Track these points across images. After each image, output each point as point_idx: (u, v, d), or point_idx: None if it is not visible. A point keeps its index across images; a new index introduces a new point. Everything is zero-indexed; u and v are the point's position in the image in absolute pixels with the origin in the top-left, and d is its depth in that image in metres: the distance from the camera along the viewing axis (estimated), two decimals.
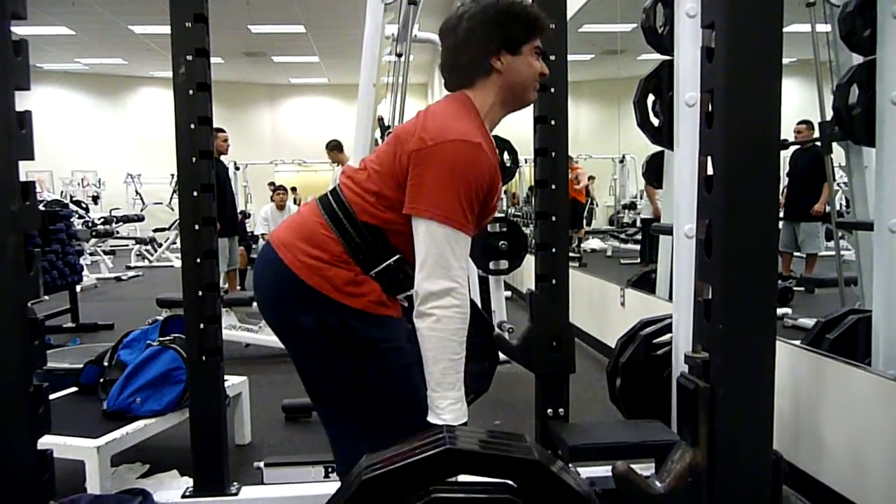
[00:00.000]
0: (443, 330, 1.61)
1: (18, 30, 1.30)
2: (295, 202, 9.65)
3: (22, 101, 1.32)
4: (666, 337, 2.63)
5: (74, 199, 13.37)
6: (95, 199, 15.77)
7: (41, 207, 7.06)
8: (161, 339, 3.18)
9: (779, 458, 1.27)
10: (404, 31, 4.41)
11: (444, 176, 1.62)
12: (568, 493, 0.92)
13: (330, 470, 2.85)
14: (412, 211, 1.65)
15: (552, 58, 2.53)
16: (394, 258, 1.76)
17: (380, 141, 4.43)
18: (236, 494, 2.60)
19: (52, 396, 2.28)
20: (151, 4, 9.92)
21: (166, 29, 2.41)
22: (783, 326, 4.73)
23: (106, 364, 3.31)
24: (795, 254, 6.54)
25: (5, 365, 1.34)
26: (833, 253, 4.57)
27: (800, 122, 5.89)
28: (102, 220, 12.24)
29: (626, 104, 4.24)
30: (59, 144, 16.13)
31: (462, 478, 1.17)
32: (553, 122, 2.56)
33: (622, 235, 10.69)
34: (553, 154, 2.57)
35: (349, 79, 16.13)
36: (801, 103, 5.58)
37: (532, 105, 2.61)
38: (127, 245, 13.64)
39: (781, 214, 6.14)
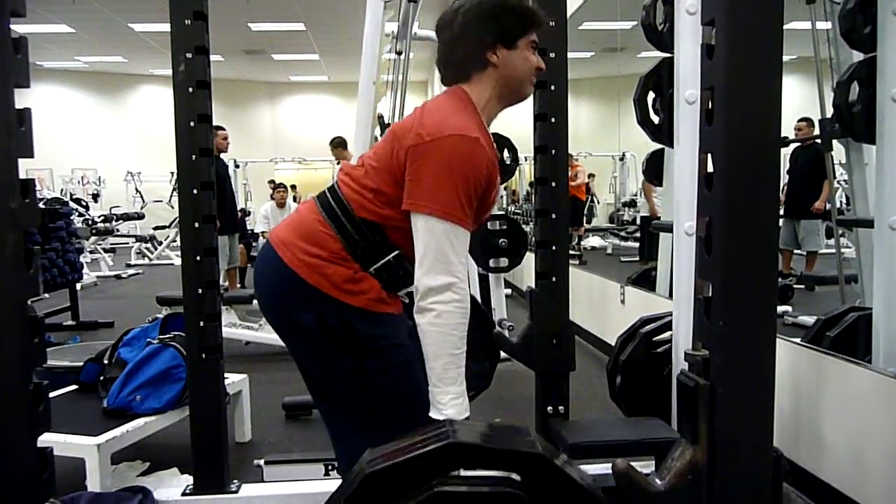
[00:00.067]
0: (443, 325, 1.61)
1: (18, 28, 1.30)
2: (294, 200, 9.64)
3: (22, 99, 1.32)
4: (666, 334, 2.63)
5: (74, 196, 13.35)
6: (95, 196, 15.75)
7: (41, 205, 7.06)
8: (161, 336, 3.18)
9: (779, 456, 1.27)
10: (404, 28, 4.41)
11: (442, 171, 1.62)
12: (571, 486, 0.92)
13: (330, 468, 2.85)
14: (411, 206, 1.65)
15: (552, 55, 2.53)
16: (393, 254, 1.76)
17: (380, 139, 4.43)
18: (236, 492, 2.60)
19: (52, 394, 2.28)
20: (151, 2, 9.89)
21: (166, 27, 2.41)
22: (783, 324, 4.73)
23: (106, 362, 3.31)
24: (796, 251, 6.54)
25: (5, 362, 1.34)
26: (833, 250, 4.57)
27: (800, 120, 5.88)
28: (102, 217, 12.22)
29: (626, 102, 4.24)
30: (59, 142, 16.12)
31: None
32: (553, 120, 2.56)
33: (622, 233, 10.68)
34: (553, 152, 2.57)
35: (349, 76, 16.15)
36: (801, 101, 5.57)
37: (532, 102, 2.62)
38: (127, 243, 13.63)
39: (781, 212, 6.14)
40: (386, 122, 4.75)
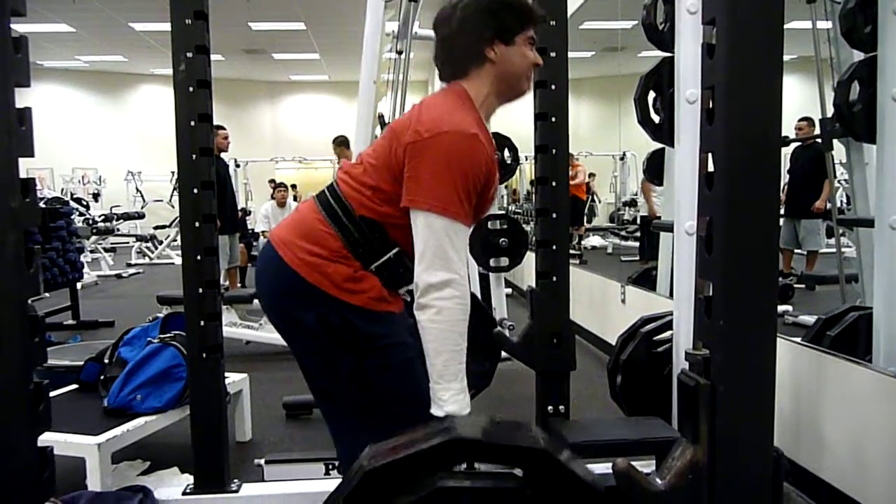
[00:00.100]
0: (443, 321, 1.60)
1: (18, 27, 1.30)
2: (295, 199, 9.63)
3: (22, 98, 1.32)
4: (666, 334, 2.63)
5: (75, 196, 13.35)
6: (96, 196, 15.74)
7: (42, 205, 7.06)
8: (161, 336, 3.18)
9: (779, 455, 1.27)
10: (405, 28, 4.40)
11: (441, 167, 1.62)
12: (574, 481, 0.91)
13: (331, 467, 2.85)
14: (410, 203, 1.65)
15: (552, 55, 2.53)
16: (393, 251, 1.76)
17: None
18: (237, 491, 2.60)
19: (52, 393, 2.28)
20: (152, 1, 9.88)
21: (166, 26, 2.41)
22: (784, 323, 4.73)
23: (106, 361, 3.31)
24: (796, 251, 6.54)
25: (6, 362, 1.34)
26: (834, 250, 4.57)
27: (800, 119, 5.89)
28: (103, 217, 12.22)
29: (626, 101, 4.25)
30: (59, 142, 16.11)
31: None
32: (553, 119, 2.56)
33: (622, 232, 10.69)
34: (553, 151, 2.57)
35: (350, 76, 16.13)
36: (801, 100, 5.57)
37: (532, 102, 2.62)
38: (127, 242, 13.63)
39: (782, 211, 6.14)
40: (386, 121, 4.74)
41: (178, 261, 8.51)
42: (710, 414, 1.16)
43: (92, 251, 11.26)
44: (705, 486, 1.17)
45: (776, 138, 1.16)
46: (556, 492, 0.90)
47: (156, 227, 14.11)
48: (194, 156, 2.45)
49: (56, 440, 2.53)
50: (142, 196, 16.57)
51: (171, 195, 14.55)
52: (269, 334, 5.27)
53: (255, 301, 5.40)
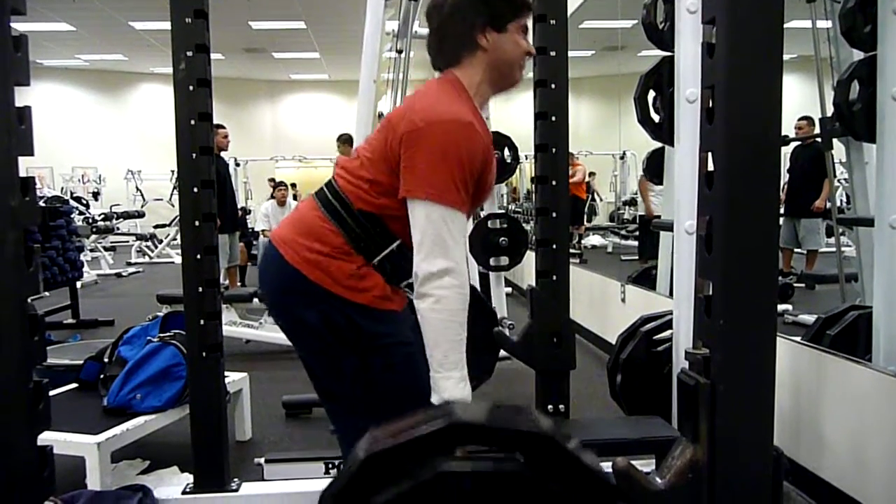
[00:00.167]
0: (442, 311, 1.60)
1: (18, 26, 1.30)
2: (294, 198, 9.63)
3: (22, 97, 1.32)
4: (666, 333, 2.64)
5: (75, 195, 13.34)
6: (96, 195, 15.74)
7: (41, 203, 7.07)
8: (161, 335, 3.18)
9: (779, 455, 1.27)
10: (405, 27, 4.41)
11: (436, 156, 1.62)
12: (577, 467, 0.91)
13: (330, 466, 2.85)
14: (406, 193, 1.65)
15: (552, 54, 2.53)
16: (395, 244, 1.75)
17: None
18: (237, 491, 2.60)
19: (52, 392, 2.28)
20: (152, 0, 9.90)
21: (166, 25, 2.41)
22: (784, 323, 4.74)
23: (106, 360, 3.31)
24: (796, 250, 6.54)
25: (5, 361, 1.34)
26: (834, 249, 4.57)
27: (800, 119, 5.89)
28: (103, 216, 12.22)
29: (626, 100, 4.24)
30: (59, 141, 16.12)
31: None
32: (553, 119, 2.56)
33: (622, 232, 10.69)
34: (553, 150, 2.58)
35: (350, 75, 16.11)
36: (801, 99, 5.57)
37: (532, 101, 2.62)
38: (127, 241, 13.62)
39: (782, 211, 6.14)
40: None
41: (178, 260, 8.50)
42: (709, 413, 1.16)
43: (92, 250, 11.26)
44: (705, 485, 1.17)
45: (776, 137, 1.16)
46: (558, 475, 0.90)
47: (156, 226, 14.10)
48: (194, 154, 2.45)
49: (56, 439, 2.53)
50: (142, 195, 16.58)
51: (171, 194, 14.55)
52: (269, 333, 5.28)
53: (255, 300, 5.41)
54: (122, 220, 13.16)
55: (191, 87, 2.43)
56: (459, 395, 1.61)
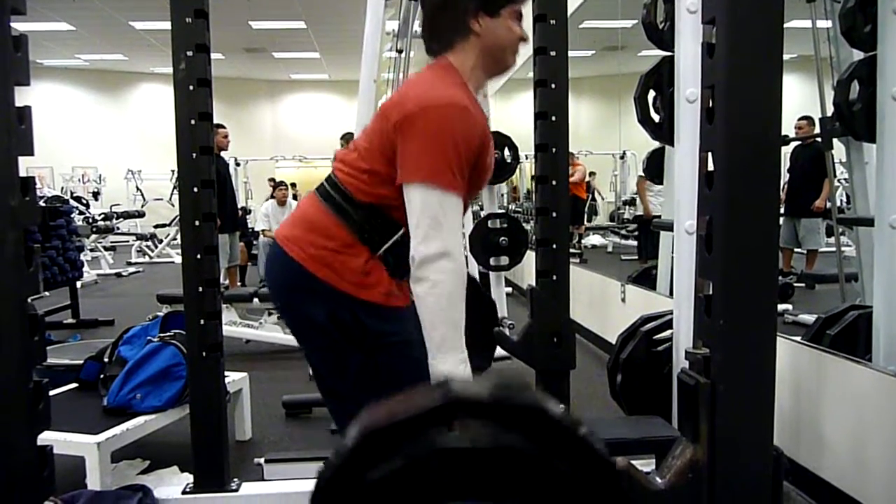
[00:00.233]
0: (440, 294, 1.59)
1: (18, 25, 1.30)
2: (294, 198, 9.61)
3: (22, 97, 1.32)
4: (666, 333, 2.63)
5: (75, 195, 13.34)
6: (96, 195, 15.74)
7: (41, 203, 7.07)
8: (161, 335, 3.18)
9: (779, 454, 1.27)
10: (405, 27, 4.41)
11: (431, 140, 1.62)
12: (575, 443, 0.90)
13: None
14: (402, 178, 1.64)
15: (552, 54, 2.53)
16: (399, 233, 1.75)
17: None
18: (237, 491, 2.60)
19: (52, 392, 2.28)
20: (152, 0, 9.90)
21: (167, 24, 2.41)
22: (784, 322, 4.73)
23: (106, 360, 3.31)
24: (796, 250, 6.53)
25: (5, 361, 1.34)
26: (834, 249, 4.57)
27: (800, 118, 5.88)
28: (103, 216, 12.22)
29: (626, 100, 4.24)
30: (59, 140, 16.13)
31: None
32: (553, 119, 2.56)
33: (623, 231, 10.68)
34: (553, 150, 2.57)
35: (350, 75, 16.11)
36: (801, 99, 5.57)
37: (533, 101, 2.62)
38: (127, 241, 13.63)
39: (782, 210, 6.13)
40: None
41: (178, 259, 8.50)
42: (710, 413, 1.16)
43: (92, 250, 11.25)
44: (705, 485, 1.17)
45: (776, 137, 1.16)
46: (557, 451, 0.89)
47: (156, 226, 14.10)
48: (194, 154, 2.45)
49: (56, 439, 2.53)
50: (142, 195, 16.57)
51: (171, 194, 14.54)
52: (269, 333, 5.28)
53: (255, 300, 5.41)
54: (122, 219, 13.16)
55: (191, 87, 2.43)
56: (459, 376, 1.60)
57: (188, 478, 2.66)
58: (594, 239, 10.82)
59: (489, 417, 0.90)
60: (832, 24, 3.42)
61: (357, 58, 3.93)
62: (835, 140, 3.78)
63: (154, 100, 18.01)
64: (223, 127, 6.51)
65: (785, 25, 1.15)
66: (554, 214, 2.58)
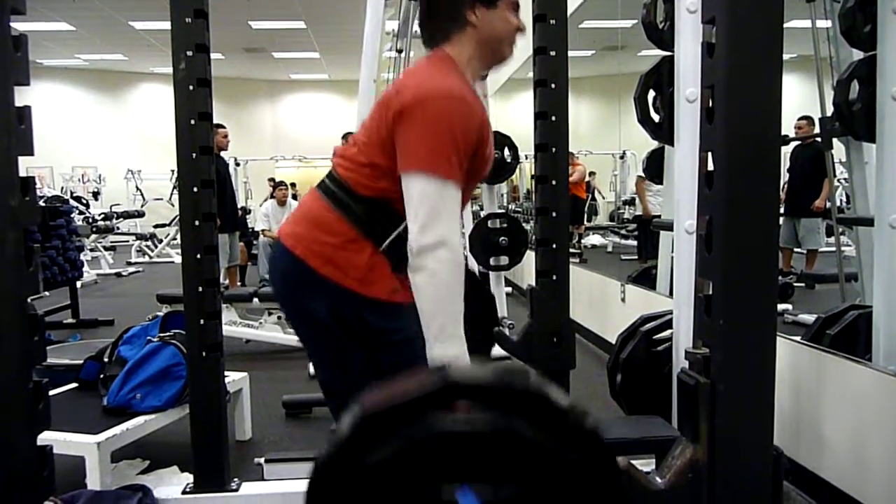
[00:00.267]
0: (437, 283, 1.58)
1: (18, 25, 1.30)
2: (294, 198, 9.61)
3: (22, 97, 1.32)
4: (666, 333, 2.63)
5: (75, 194, 13.33)
6: (96, 195, 15.73)
7: (41, 203, 7.06)
8: (161, 334, 3.18)
9: (779, 454, 1.27)
10: (405, 26, 4.41)
11: (429, 129, 1.61)
12: (571, 425, 0.90)
13: None
14: (401, 167, 1.64)
15: (552, 53, 2.53)
16: (402, 226, 1.73)
17: None
18: (237, 490, 2.60)
19: (52, 392, 2.28)
20: (152, 0, 9.90)
21: (167, 24, 2.41)
22: (783, 322, 4.73)
23: (106, 360, 3.31)
24: (796, 250, 6.53)
25: (5, 361, 1.34)
26: (833, 249, 4.57)
27: (800, 118, 5.88)
28: (103, 216, 12.21)
29: (626, 100, 4.24)
30: (59, 140, 16.13)
31: None
32: (553, 119, 2.56)
33: (622, 231, 10.68)
34: (553, 150, 2.57)
35: (350, 75, 16.11)
36: (801, 99, 5.57)
37: (532, 101, 2.62)
38: (127, 241, 13.62)
39: (782, 210, 6.13)
40: None
41: (178, 259, 8.50)
42: (709, 413, 1.16)
43: (92, 250, 11.26)
44: (705, 484, 1.17)
45: (776, 137, 1.16)
46: (554, 434, 0.89)
47: (156, 226, 14.10)
48: (194, 154, 2.45)
49: (55, 439, 2.53)
50: (142, 194, 16.57)
51: (171, 194, 14.55)
52: (269, 333, 5.28)
53: (255, 300, 5.41)
54: (122, 219, 13.16)
55: (191, 87, 2.43)
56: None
57: (188, 478, 2.66)
58: (594, 239, 10.81)
59: (488, 401, 0.89)
60: (832, 24, 3.42)
61: (357, 58, 3.93)
62: (835, 140, 3.78)
63: (154, 100, 18.01)
64: (223, 127, 6.51)
65: (785, 25, 1.15)
66: (554, 214, 2.58)
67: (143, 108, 18.39)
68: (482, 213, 4.43)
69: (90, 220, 11.20)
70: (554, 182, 2.58)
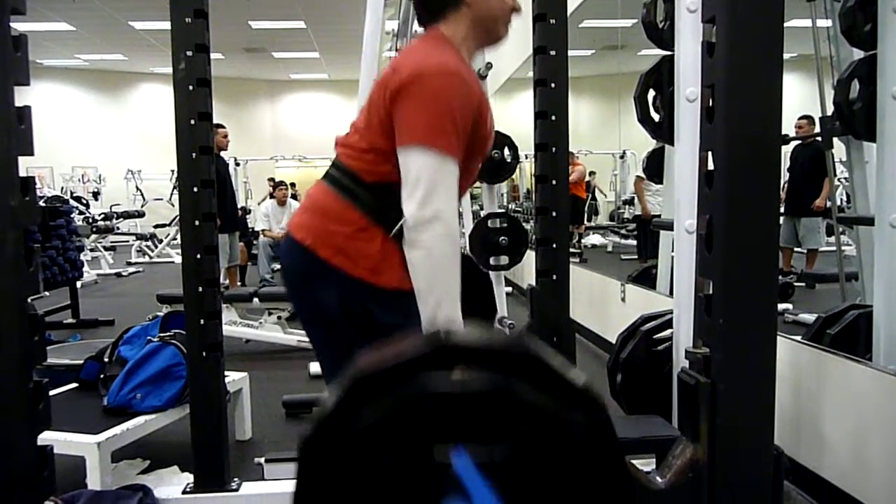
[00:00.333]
0: (433, 259, 1.58)
1: (18, 25, 1.30)
2: (294, 198, 9.61)
3: (22, 97, 1.32)
4: (666, 332, 2.63)
5: (75, 195, 13.34)
6: (96, 195, 15.73)
7: (41, 203, 7.07)
8: (161, 334, 3.18)
9: (780, 454, 1.27)
10: (405, 26, 4.41)
11: (427, 104, 1.60)
12: (566, 387, 0.89)
13: None
14: (399, 142, 1.63)
15: (552, 53, 2.53)
16: None
17: None
18: (237, 490, 2.60)
19: (52, 392, 2.28)
20: (152, 0, 9.90)
21: (166, 24, 2.41)
22: (784, 322, 4.73)
23: (106, 360, 3.31)
24: (796, 249, 6.53)
25: (5, 361, 1.34)
26: (834, 248, 4.57)
27: (800, 118, 5.88)
28: (103, 216, 12.22)
29: (626, 100, 4.24)
30: (59, 140, 16.14)
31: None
32: (553, 118, 2.56)
33: (622, 231, 10.68)
34: (553, 149, 2.57)
35: (349, 75, 16.12)
36: (801, 99, 5.57)
37: (532, 100, 2.62)
38: (127, 241, 13.63)
39: (782, 210, 6.13)
40: None
41: (178, 259, 8.50)
42: (710, 412, 1.16)
43: (92, 250, 11.26)
44: (705, 484, 1.17)
45: (776, 136, 1.16)
46: (555, 396, 0.88)
47: (156, 226, 14.10)
48: (194, 154, 2.45)
49: (56, 439, 2.53)
50: (142, 194, 16.57)
51: (171, 194, 14.55)
52: (269, 333, 5.28)
53: (255, 300, 5.41)
54: (122, 219, 13.16)
55: (191, 87, 2.43)
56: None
57: (188, 477, 2.66)
58: (594, 238, 10.81)
59: (486, 363, 0.89)
60: (832, 23, 3.42)
61: (357, 58, 3.93)
62: (835, 139, 3.78)
63: (154, 100, 18.02)
64: (223, 127, 6.51)
65: (785, 24, 1.15)
66: (554, 214, 2.58)
67: (143, 108, 18.40)
68: (482, 213, 4.42)
69: (90, 220, 11.21)
70: (554, 182, 2.57)
